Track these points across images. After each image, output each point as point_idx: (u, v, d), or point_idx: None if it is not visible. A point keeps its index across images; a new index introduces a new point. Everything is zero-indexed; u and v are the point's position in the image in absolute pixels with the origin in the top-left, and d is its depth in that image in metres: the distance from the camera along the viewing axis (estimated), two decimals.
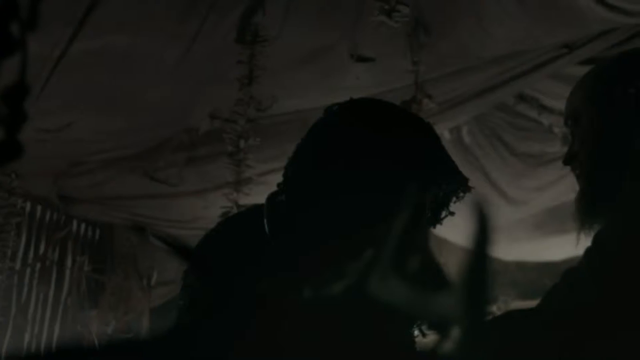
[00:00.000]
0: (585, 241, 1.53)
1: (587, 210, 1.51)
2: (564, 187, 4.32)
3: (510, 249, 4.38)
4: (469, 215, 0.72)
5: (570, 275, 1.45)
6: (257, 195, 3.41)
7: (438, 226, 1.56)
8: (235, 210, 3.23)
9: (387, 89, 3.58)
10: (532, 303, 1.56)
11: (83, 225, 5.29)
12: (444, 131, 3.82)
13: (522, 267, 4.72)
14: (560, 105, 4.31)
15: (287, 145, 4.51)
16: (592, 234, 1.48)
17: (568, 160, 1.58)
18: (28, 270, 4.94)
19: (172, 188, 4.52)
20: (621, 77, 1.51)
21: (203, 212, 4.65)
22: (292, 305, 0.78)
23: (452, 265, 0.81)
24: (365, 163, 1.43)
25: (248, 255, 1.49)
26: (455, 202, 1.52)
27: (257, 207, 1.60)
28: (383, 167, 1.42)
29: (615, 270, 1.33)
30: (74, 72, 3.58)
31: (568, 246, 4.91)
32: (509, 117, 4.17)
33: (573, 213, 1.56)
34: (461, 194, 1.51)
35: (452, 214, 1.54)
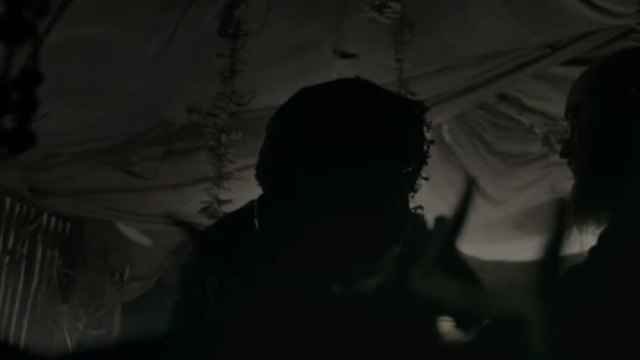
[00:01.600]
0: (577, 237, 1.53)
1: (581, 204, 1.50)
2: (544, 187, 4.33)
3: (489, 248, 4.38)
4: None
5: (573, 274, 1.44)
6: (237, 191, 3.37)
7: None
8: (215, 206, 3.18)
9: None
10: None
11: (53, 219, 5.19)
12: None
13: (500, 266, 4.72)
14: (542, 105, 4.34)
15: None
16: (586, 228, 1.48)
17: (565, 152, 1.57)
18: None
19: (147, 182, 4.45)
20: (624, 74, 1.51)
21: (179, 207, 4.59)
22: (319, 303, 0.75)
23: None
24: (345, 137, 1.49)
25: (243, 252, 1.49)
26: (427, 131, 1.58)
27: (249, 206, 1.60)
28: (361, 135, 1.49)
29: (621, 269, 1.32)
30: (50, 63, 3.51)
31: None
32: (490, 117, 4.17)
33: (567, 206, 1.55)
34: (428, 121, 1.58)
35: (432, 142, 1.59)
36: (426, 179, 1.61)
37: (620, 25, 3.27)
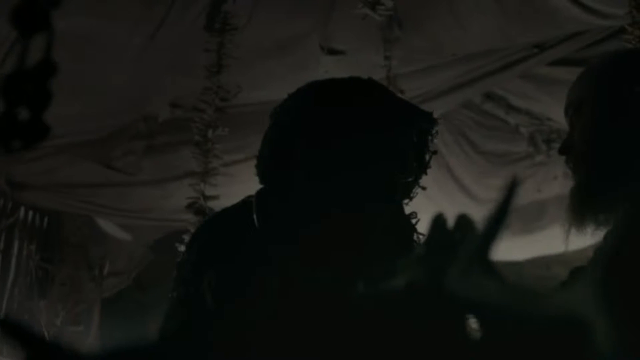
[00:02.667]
0: (575, 235, 1.52)
1: (581, 203, 1.50)
2: (529, 187, 4.35)
3: None
4: None
5: (579, 274, 1.43)
6: (222, 187, 3.34)
7: None
8: (202, 202, 3.15)
9: None
10: None
11: (31, 213, 5.12)
12: None
13: None
14: (528, 105, 4.35)
15: (251, 137, 4.42)
16: (585, 227, 1.47)
17: (564, 149, 1.56)
18: None
19: (129, 177, 4.40)
20: (628, 74, 1.50)
21: (161, 202, 4.55)
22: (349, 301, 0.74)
23: None
24: (342, 137, 1.48)
25: (240, 248, 1.48)
26: (432, 141, 1.57)
27: (246, 202, 1.58)
28: (360, 135, 1.48)
29: (629, 271, 1.31)
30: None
31: (532, 246, 4.95)
32: (476, 115, 4.17)
33: (567, 205, 1.54)
34: (434, 130, 1.57)
35: (435, 152, 1.58)
36: (423, 188, 1.60)
37: (608, 26, 3.28)
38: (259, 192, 1.55)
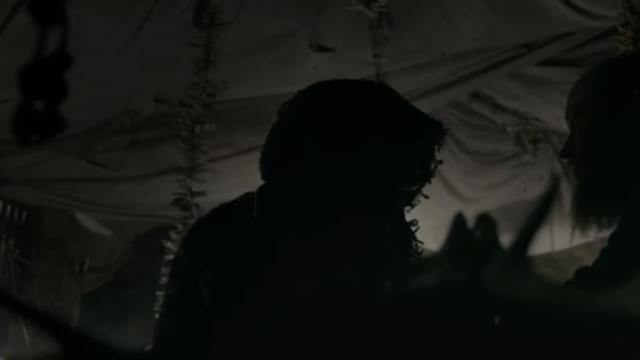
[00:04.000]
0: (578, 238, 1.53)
1: (582, 205, 1.50)
2: (515, 187, 4.36)
3: None
4: None
5: (584, 275, 1.43)
6: (208, 183, 3.31)
7: None
8: (189, 197, 3.12)
9: None
10: None
11: (9, 208, 5.05)
12: None
13: None
14: (515, 105, 4.36)
15: (236, 134, 4.41)
16: (587, 229, 1.48)
17: (565, 153, 1.57)
18: None
19: (111, 172, 4.35)
20: (628, 76, 1.50)
21: (143, 198, 4.51)
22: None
23: None
24: (351, 140, 1.47)
25: (240, 244, 1.46)
26: (439, 151, 1.57)
27: (245, 198, 1.56)
28: (369, 140, 1.48)
29: (632, 270, 1.30)
30: (15, 46, 3.40)
31: None
32: (463, 115, 4.17)
33: (569, 207, 1.55)
34: (442, 141, 1.56)
35: (440, 162, 1.58)
36: (426, 197, 1.60)
37: (597, 27, 3.29)
38: (261, 189, 1.53)
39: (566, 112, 1.59)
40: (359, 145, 1.48)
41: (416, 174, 1.53)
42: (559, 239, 3.84)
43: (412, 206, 1.58)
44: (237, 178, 3.90)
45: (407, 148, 1.50)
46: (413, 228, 1.59)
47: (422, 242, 1.59)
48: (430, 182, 1.57)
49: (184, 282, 1.49)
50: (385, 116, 1.51)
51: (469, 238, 0.77)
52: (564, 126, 4.54)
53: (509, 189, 4.36)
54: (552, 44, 3.47)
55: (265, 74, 3.61)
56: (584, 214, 1.48)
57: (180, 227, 3.10)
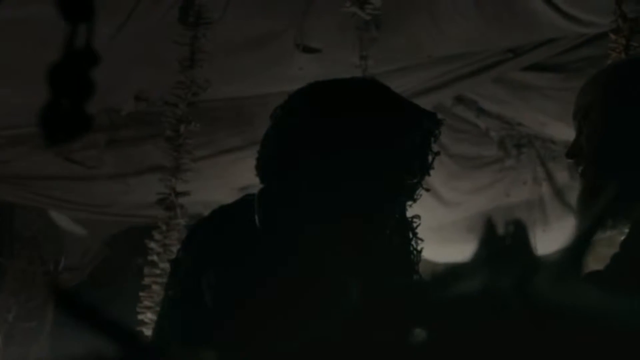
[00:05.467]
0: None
1: (589, 207, 1.50)
2: (498, 191, 4.37)
3: (441, 250, 4.38)
4: None
5: (594, 280, 1.42)
6: (191, 183, 3.27)
7: None
8: (173, 197, 3.09)
9: None
10: None
11: None
12: None
13: None
14: (499, 109, 4.36)
15: (220, 133, 4.36)
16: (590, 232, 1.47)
17: (572, 153, 1.56)
18: None
19: (89, 170, 4.29)
20: (637, 78, 1.50)
21: (121, 197, 4.45)
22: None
23: None
24: (349, 141, 1.48)
25: (240, 247, 1.45)
26: (435, 142, 1.56)
27: (245, 200, 1.55)
28: (368, 140, 1.48)
29: None
30: None
31: None
32: (446, 118, 4.16)
33: (574, 208, 1.55)
34: (437, 132, 1.55)
35: (437, 153, 1.57)
36: (427, 190, 1.59)
37: (583, 33, 3.30)
38: (261, 192, 1.53)
39: (574, 112, 1.59)
40: (358, 145, 1.49)
41: (416, 167, 1.53)
42: (541, 245, 3.85)
43: (414, 200, 1.58)
44: (219, 179, 3.87)
45: (404, 141, 1.50)
46: (414, 224, 1.59)
47: (422, 239, 1.59)
48: (429, 175, 1.57)
49: (185, 283, 1.48)
50: (381, 113, 1.51)
51: (504, 244, 0.75)
52: (547, 131, 4.54)
53: (492, 193, 4.37)
54: (538, 50, 3.48)
55: (250, 73, 3.58)
56: (589, 215, 1.47)
57: (164, 227, 3.07)
